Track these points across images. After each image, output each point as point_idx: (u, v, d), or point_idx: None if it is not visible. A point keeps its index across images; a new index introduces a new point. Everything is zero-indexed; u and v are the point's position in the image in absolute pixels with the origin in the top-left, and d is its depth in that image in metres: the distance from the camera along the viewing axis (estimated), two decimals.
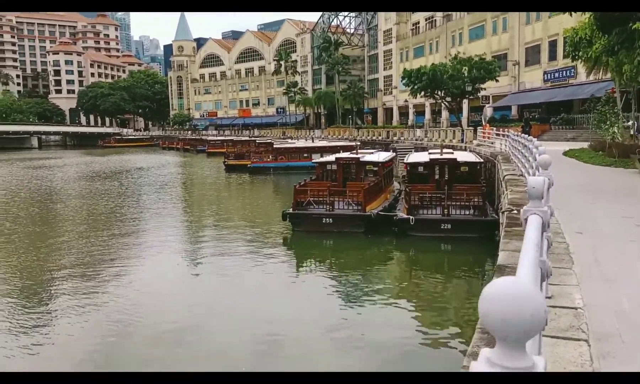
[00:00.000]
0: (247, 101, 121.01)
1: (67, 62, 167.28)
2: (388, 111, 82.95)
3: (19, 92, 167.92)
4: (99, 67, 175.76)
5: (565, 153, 22.58)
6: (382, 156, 26.62)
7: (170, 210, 30.46)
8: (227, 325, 12.42)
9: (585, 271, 5.75)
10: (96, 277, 16.39)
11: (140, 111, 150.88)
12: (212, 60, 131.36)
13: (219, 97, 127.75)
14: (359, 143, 42.92)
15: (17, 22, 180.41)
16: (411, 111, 73.37)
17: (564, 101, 44.62)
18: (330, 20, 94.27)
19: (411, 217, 19.58)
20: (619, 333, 4.12)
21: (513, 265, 5.28)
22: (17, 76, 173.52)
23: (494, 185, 22.58)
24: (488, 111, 47.59)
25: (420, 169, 24.10)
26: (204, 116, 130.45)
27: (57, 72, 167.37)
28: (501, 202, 14.16)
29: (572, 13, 21.83)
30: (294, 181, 25.01)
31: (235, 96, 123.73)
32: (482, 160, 25.25)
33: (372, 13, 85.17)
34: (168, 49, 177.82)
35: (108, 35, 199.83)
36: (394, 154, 32.40)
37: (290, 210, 21.82)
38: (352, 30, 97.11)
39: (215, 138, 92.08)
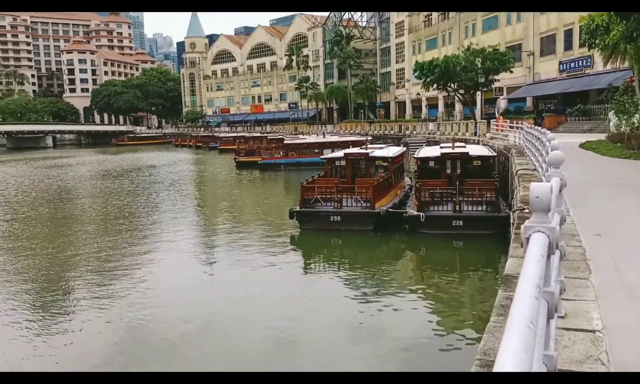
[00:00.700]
0: (259, 97, 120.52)
1: (80, 61, 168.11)
2: (401, 105, 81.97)
3: (34, 91, 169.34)
4: (112, 65, 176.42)
5: (582, 145, 21.70)
6: (392, 151, 25.93)
7: (180, 208, 30.17)
8: (239, 324, 12.38)
9: (604, 283, 5.00)
10: (108, 275, 16.39)
11: (153, 108, 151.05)
12: (224, 56, 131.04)
13: (231, 93, 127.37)
14: (370, 138, 42.12)
15: (31, 22, 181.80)
16: (424, 104, 72.44)
17: (580, 91, 43.43)
18: (342, 13, 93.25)
19: (422, 214, 18.98)
20: None
21: None
22: (32, 76, 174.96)
23: (507, 179, 21.82)
24: (502, 103, 46.50)
25: (431, 164, 23.36)
26: (216, 113, 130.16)
27: (71, 71, 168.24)
28: (514, 198, 13.50)
29: None
30: (304, 177, 24.56)
31: (247, 92, 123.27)
32: (495, 154, 24.46)
33: None
34: (181, 46, 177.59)
35: (121, 34, 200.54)
36: (405, 148, 31.68)
37: (297, 208, 21.29)
38: (363, 24, 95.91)
39: (227, 135, 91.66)
